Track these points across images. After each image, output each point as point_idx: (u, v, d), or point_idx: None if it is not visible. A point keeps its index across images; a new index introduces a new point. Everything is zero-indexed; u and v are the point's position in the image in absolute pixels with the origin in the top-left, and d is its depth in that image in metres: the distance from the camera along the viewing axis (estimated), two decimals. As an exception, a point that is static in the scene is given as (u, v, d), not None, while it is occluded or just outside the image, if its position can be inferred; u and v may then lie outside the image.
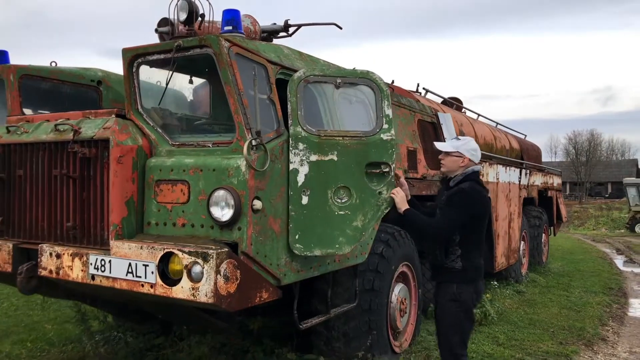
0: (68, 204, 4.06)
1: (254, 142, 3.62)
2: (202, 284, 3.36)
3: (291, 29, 5.71)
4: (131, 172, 3.90)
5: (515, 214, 9.36)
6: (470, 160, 4.00)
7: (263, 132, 3.72)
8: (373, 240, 5.03)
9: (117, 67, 5.03)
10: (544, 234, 11.83)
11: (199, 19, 4.26)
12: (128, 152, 3.88)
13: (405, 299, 5.61)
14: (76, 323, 5.42)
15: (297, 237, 4.01)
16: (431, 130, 6.76)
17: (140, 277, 3.59)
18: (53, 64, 5.16)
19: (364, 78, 4.44)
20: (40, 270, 4.06)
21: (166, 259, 3.54)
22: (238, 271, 3.49)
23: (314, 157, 4.07)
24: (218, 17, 4.48)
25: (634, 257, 15.81)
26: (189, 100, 5.20)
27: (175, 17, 4.28)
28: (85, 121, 4.12)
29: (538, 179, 11.13)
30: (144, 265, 3.57)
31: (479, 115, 10.40)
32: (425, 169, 6.32)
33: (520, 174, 9.75)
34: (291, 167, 3.98)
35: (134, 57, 4.08)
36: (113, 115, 4.10)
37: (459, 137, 4.18)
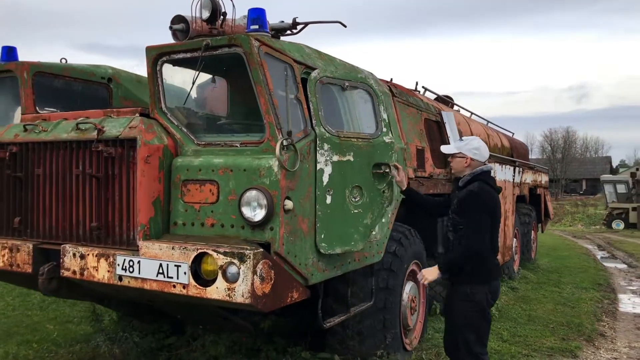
0: (91, 204, 4.00)
1: (285, 142, 3.63)
2: (239, 284, 3.36)
3: (298, 27, 5.73)
4: (158, 172, 3.87)
5: (509, 212, 9.52)
6: (472, 159, 4.03)
7: (292, 132, 3.73)
8: (388, 239, 5.09)
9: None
10: (533, 231, 12.05)
11: (221, 17, 4.25)
12: (155, 151, 3.84)
13: (415, 297, 5.67)
14: (91, 324, 5.35)
15: (322, 236, 4.05)
16: (436, 129, 6.82)
17: (171, 277, 3.57)
18: (63, 61, 5.07)
19: (363, 82, 4.51)
20: (62, 271, 4.00)
21: (198, 259, 3.52)
22: (272, 271, 3.49)
23: (335, 158, 4.14)
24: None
25: (615, 253, 16.20)
26: (192, 98, 5.17)
27: (197, 15, 4.25)
28: (107, 120, 4.07)
29: (529, 177, 11.32)
30: (176, 265, 3.55)
31: (472, 113, 10.52)
32: (432, 167, 6.39)
33: (514, 172, 9.91)
34: (318, 167, 4.00)
35: (158, 56, 4.04)
36: (137, 114, 4.05)
37: (463, 137, 4.27)
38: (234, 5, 4.32)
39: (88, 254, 3.89)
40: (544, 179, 13.07)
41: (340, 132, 4.28)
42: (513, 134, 13.65)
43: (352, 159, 4.27)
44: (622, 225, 25.90)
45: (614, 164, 68.33)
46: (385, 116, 4.62)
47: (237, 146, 3.87)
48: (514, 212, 9.86)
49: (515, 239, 10.40)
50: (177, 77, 4.26)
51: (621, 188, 27.58)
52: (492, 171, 4.16)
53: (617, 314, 8.31)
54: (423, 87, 8.66)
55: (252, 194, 3.62)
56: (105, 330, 5.58)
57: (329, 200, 4.09)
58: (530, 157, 13.92)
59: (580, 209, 37.72)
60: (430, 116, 6.73)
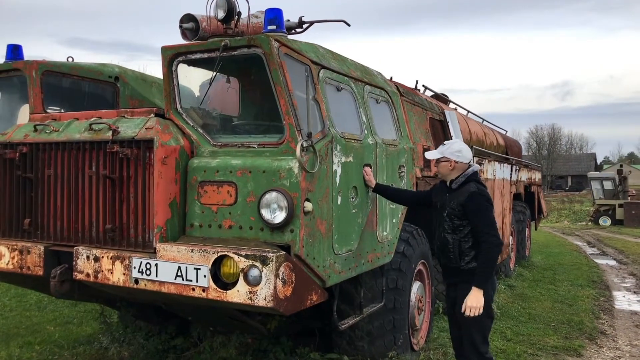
0: (105, 206, 3.95)
1: (305, 144, 3.60)
2: (261, 287, 3.33)
3: (304, 26, 5.70)
4: (174, 173, 3.82)
5: (507, 210, 9.58)
6: (456, 162, 4.06)
7: (311, 134, 3.71)
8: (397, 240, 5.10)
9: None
10: (527, 229, 12.15)
11: (236, 17, 4.21)
12: (172, 152, 3.79)
13: (422, 297, 5.69)
14: (100, 326, 5.28)
15: (336, 237, 4.04)
16: (440, 128, 6.84)
17: (190, 281, 3.53)
18: (70, 59, 4.99)
19: (347, 85, 4.50)
20: (75, 273, 3.94)
21: (218, 262, 3.49)
22: (293, 274, 3.47)
23: (343, 159, 4.15)
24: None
25: (605, 250, 16.38)
26: (195, 97, 5.13)
27: (212, 15, 4.21)
28: (121, 120, 4.01)
29: (524, 175, 11.40)
30: (195, 268, 3.51)
31: (468, 111, 10.55)
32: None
33: (511, 170, 9.98)
34: (333, 168, 3.99)
35: (174, 56, 3.99)
36: (152, 115, 4.00)
37: (444, 142, 4.28)
38: (249, 6, 4.29)
39: (102, 257, 3.84)
40: (537, 176, 13.17)
41: (346, 133, 4.28)
42: (506, 131, 13.75)
43: (352, 160, 4.29)
44: (609, 222, 26.16)
45: (599, 160, 69.11)
46: (364, 119, 4.64)
47: (254, 147, 3.84)
48: (511, 210, 9.93)
49: (511, 237, 10.47)
50: (182, 76, 4.20)
51: (608, 185, 27.84)
52: (478, 171, 4.23)
53: (614, 311, 8.40)
54: (423, 85, 8.67)
55: (272, 195, 3.59)
56: (112, 332, 5.50)
57: (339, 201, 4.10)
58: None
59: (566, 205, 38.12)
60: (435, 115, 6.74)
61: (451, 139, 6.92)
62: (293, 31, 5.66)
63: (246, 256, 3.38)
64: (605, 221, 26.31)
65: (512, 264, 10.62)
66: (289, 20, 5.75)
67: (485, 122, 11.37)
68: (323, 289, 3.85)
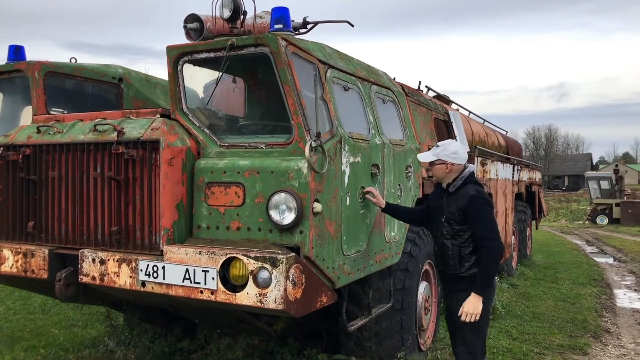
0: (110, 208, 3.89)
1: (313, 144, 3.56)
2: (271, 290, 3.28)
3: (308, 26, 5.66)
4: (181, 175, 3.77)
5: (509, 210, 9.56)
6: (452, 164, 3.88)
7: (320, 134, 3.67)
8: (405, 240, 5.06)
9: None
10: (528, 228, 12.14)
11: (242, 16, 4.16)
12: (178, 153, 3.75)
13: (428, 297, 5.65)
14: (106, 329, 5.23)
15: (344, 238, 4.00)
16: (444, 128, 6.81)
17: (199, 283, 3.48)
18: (73, 61, 4.94)
19: (354, 84, 4.46)
20: (81, 277, 3.88)
21: (227, 264, 3.44)
22: (303, 276, 3.43)
23: (351, 159, 4.12)
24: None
25: (604, 248, 16.41)
26: (199, 97, 5.08)
27: (217, 14, 4.17)
28: (126, 121, 3.96)
29: (525, 175, 11.39)
30: (203, 271, 3.46)
31: (470, 112, 10.53)
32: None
33: (513, 170, 9.96)
34: (342, 168, 3.95)
35: (179, 56, 3.94)
36: (158, 115, 3.95)
37: (438, 143, 4.03)
38: (255, 6, 4.24)
39: (108, 259, 3.79)
40: (537, 176, 13.17)
41: (354, 133, 4.25)
42: (507, 132, 13.73)
43: (359, 160, 4.24)
44: (606, 221, 26.26)
45: (594, 160, 69.34)
46: (372, 118, 4.59)
47: (262, 147, 3.79)
48: (513, 209, 9.91)
49: (513, 236, 10.45)
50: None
51: (605, 184, 27.96)
52: (474, 169, 4.06)
53: (615, 309, 8.39)
54: (426, 86, 8.63)
55: (281, 196, 3.54)
56: (117, 334, 5.45)
57: (348, 201, 4.06)
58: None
59: (563, 205, 38.25)
60: (439, 115, 6.71)
61: (455, 139, 6.89)
62: (297, 31, 5.63)
63: (255, 258, 3.33)
64: (603, 220, 26.41)
65: (514, 263, 10.60)
66: (293, 21, 5.72)
67: (485, 123, 11.38)
68: (333, 291, 3.80)
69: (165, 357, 5.22)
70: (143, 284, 3.67)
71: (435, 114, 6.58)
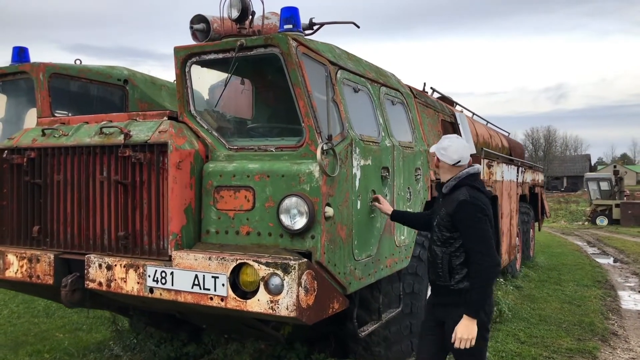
0: (117, 212, 3.82)
1: (325, 147, 3.49)
2: (283, 296, 3.21)
3: (314, 27, 5.60)
4: (189, 178, 3.71)
5: (514, 212, 9.51)
6: (439, 160, 3.51)
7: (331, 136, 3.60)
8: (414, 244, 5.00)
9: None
10: (531, 230, 12.09)
11: (250, 17, 4.10)
12: (186, 157, 3.68)
13: (436, 301, 5.59)
14: (112, 334, 5.14)
15: (356, 242, 3.94)
16: (451, 130, 6.74)
17: (208, 289, 3.41)
18: (78, 62, 4.86)
19: (363, 86, 4.40)
20: (87, 282, 3.81)
21: (237, 270, 3.37)
22: (315, 282, 3.36)
23: (362, 162, 4.05)
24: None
25: (606, 249, 16.36)
26: (205, 99, 5.02)
27: (225, 14, 4.10)
28: (133, 124, 3.89)
29: (529, 176, 11.34)
30: (213, 277, 3.39)
31: (473, 114, 10.47)
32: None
33: (517, 172, 9.90)
34: (352, 171, 3.89)
35: (187, 57, 3.87)
36: (165, 118, 3.88)
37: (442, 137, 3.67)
38: (264, 6, 4.18)
39: (115, 265, 3.71)
40: (540, 177, 13.12)
41: (365, 136, 4.18)
42: (509, 133, 13.67)
43: (370, 163, 4.18)
44: (605, 222, 26.22)
45: (593, 161, 69.43)
46: (381, 120, 4.52)
47: (272, 150, 3.72)
48: (517, 211, 9.85)
49: (517, 238, 10.40)
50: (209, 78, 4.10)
51: (604, 185, 27.92)
52: (480, 173, 3.55)
53: (621, 311, 8.33)
54: (431, 88, 8.58)
55: (292, 200, 3.47)
56: (123, 339, 5.37)
57: (358, 205, 3.99)
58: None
59: (563, 206, 38.23)
60: (446, 117, 6.65)
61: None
62: (303, 33, 5.57)
63: (267, 264, 3.26)
64: (603, 221, 26.36)
65: (518, 264, 10.55)
66: (298, 21, 5.67)
67: (488, 125, 11.32)
68: (344, 297, 3.74)
69: (171, 362, 5.15)
70: (151, 290, 3.60)
71: (442, 116, 6.52)
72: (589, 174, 30.27)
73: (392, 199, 4.51)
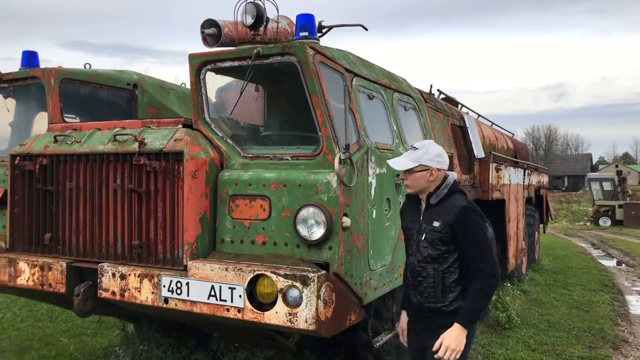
0: (131, 220, 3.78)
1: (342, 156, 3.45)
2: (302, 309, 3.17)
3: (323, 30, 5.56)
4: (204, 187, 3.66)
5: (520, 215, 9.46)
6: (439, 169, 3.10)
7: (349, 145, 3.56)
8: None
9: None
10: (536, 232, 12.05)
11: (264, 23, 4.06)
12: (202, 165, 3.63)
13: (447, 308, 5.54)
14: (122, 342, 5.10)
15: (371, 252, 3.89)
16: (460, 134, 6.70)
17: (225, 301, 3.37)
18: (87, 66, 4.82)
19: (377, 92, 4.35)
20: (100, 291, 3.77)
21: (254, 281, 3.33)
22: (334, 294, 3.32)
23: (378, 170, 4.01)
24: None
25: (611, 252, 16.33)
26: (212, 102, 4.97)
27: (239, 19, 4.06)
28: (147, 131, 3.85)
29: (534, 178, 11.29)
30: (230, 288, 3.35)
31: (479, 115, 10.42)
32: (460, 174, 6.26)
33: (524, 175, 9.86)
34: (368, 180, 3.85)
35: (202, 64, 3.82)
36: (180, 126, 3.84)
37: (415, 145, 3.20)
38: (278, 12, 4.13)
39: (129, 274, 3.67)
40: (545, 179, 13.07)
41: (380, 144, 4.14)
42: (513, 134, 13.62)
43: (385, 170, 4.13)
44: (608, 222, 26.17)
45: (594, 160, 69.40)
46: (395, 127, 4.47)
47: (288, 159, 3.68)
48: (524, 214, 9.81)
49: (523, 242, 10.36)
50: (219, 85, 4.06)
51: (607, 185, 27.86)
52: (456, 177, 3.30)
53: (630, 317, 8.29)
54: (438, 90, 8.52)
55: (309, 211, 3.43)
56: (129, 344, 5.33)
57: (374, 214, 3.95)
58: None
59: (564, 206, 38.11)
60: (455, 121, 6.60)
61: (471, 144, 6.79)
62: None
63: (285, 276, 3.22)
64: (605, 222, 26.32)
65: (524, 268, 10.50)
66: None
67: (493, 126, 11.27)
68: (361, 308, 3.69)
69: (180, 369, 5.10)
70: (166, 300, 3.55)
71: (452, 120, 6.47)
72: (591, 174, 30.22)
73: (406, 206, 4.46)
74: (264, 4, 4.08)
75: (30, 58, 4.64)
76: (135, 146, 3.73)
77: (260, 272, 3.29)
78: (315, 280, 3.16)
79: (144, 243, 3.73)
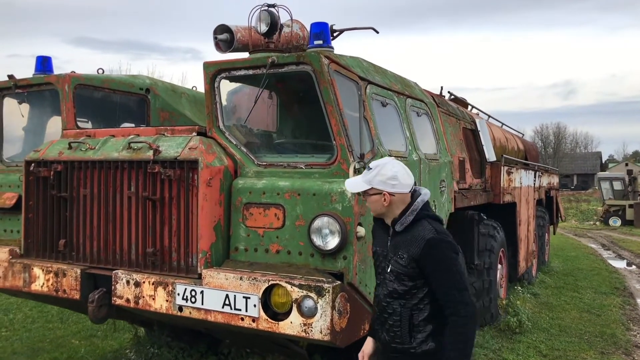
0: (145, 228, 3.79)
1: (357, 166, 3.44)
2: (317, 319, 3.17)
3: (334, 34, 5.54)
4: (219, 195, 3.67)
5: (531, 217, 9.42)
6: (392, 194, 2.70)
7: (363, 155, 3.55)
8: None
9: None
10: (546, 234, 11.99)
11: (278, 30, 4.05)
12: (216, 173, 3.64)
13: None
14: (131, 342, 5.12)
15: (384, 260, 3.88)
16: (472, 137, 6.67)
17: (239, 310, 3.37)
18: (100, 72, 4.83)
19: (391, 99, 4.33)
20: (114, 299, 3.78)
21: (268, 290, 3.33)
22: (348, 304, 3.32)
23: None
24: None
25: (621, 253, 16.21)
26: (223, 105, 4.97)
27: (253, 24, 4.05)
28: (162, 139, 3.85)
29: (545, 180, 11.23)
30: (244, 297, 3.36)
31: (489, 116, 10.36)
32: (472, 178, 6.23)
33: (535, 177, 9.80)
34: (382, 188, 3.83)
35: (217, 72, 3.82)
36: (194, 133, 3.84)
37: (371, 165, 2.80)
38: (291, 19, 4.12)
39: (144, 282, 3.68)
40: (555, 180, 13.00)
41: (394, 151, 4.12)
42: (523, 135, 13.55)
43: None
44: (619, 222, 25.99)
45: (604, 158, 68.94)
46: (408, 133, 4.44)
47: (302, 168, 3.67)
48: (535, 217, 9.76)
49: (534, 244, 10.31)
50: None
51: (617, 185, 27.68)
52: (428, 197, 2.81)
53: (641, 320, 8.24)
54: (449, 92, 8.48)
55: (324, 220, 3.43)
56: (140, 347, 5.35)
57: (387, 221, 3.93)
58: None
59: (573, 205, 37.90)
60: (467, 125, 6.57)
61: (483, 148, 6.76)
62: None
63: (300, 286, 3.22)
64: (616, 222, 26.14)
65: (534, 270, 10.46)
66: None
67: (503, 127, 11.21)
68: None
69: (192, 374, 5.12)
70: (180, 308, 3.56)
71: (464, 124, 6.44)
72: (601, 174, 30.03)
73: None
74: (277, 11, 4.08)
75: (44, 63, 4.66)
76: (149, 154, 3.74)
77: (275, 282, 3.29)
78: (330, 291, 3.15)
79: (158, 250, 3.74)
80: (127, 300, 3.74)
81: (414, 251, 2.61)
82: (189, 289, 3.52)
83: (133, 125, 5.13)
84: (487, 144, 6.94)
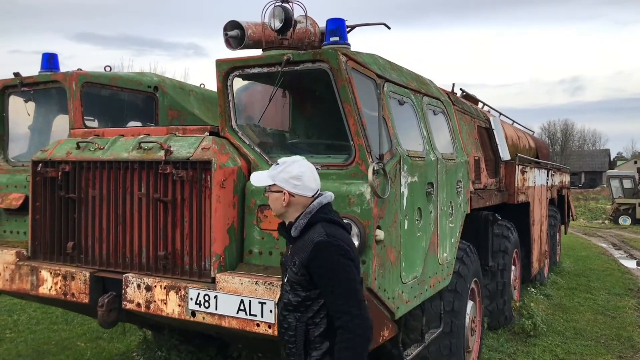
0: (156, 230, 3.67)
1: (376, 167, 3.31)
2: (335, 326, 3.04)
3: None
4: (232, 197, 3.55)
5: (544, 217, 9.27)
6: (292, 194, 2.57)
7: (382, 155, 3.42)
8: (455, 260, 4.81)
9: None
10: (558, 234, 11.83)
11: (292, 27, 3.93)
12: (230, 174, 3.52)
13: (474, 317, 5.40)
14: (138, 345, 5.02)
15: (403, 265, 3.76)
16: (486, 136, 6.53)
17: (255, 316, 3.26)
18: (107, 69, 4.72)
19: (408, 97, 4.20)
20: (125, 303, 3.67)
21: (284, 296, 3.21)
22: (367, 310, 3.18)
23: (409, 179, 3.86)
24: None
25: (633, 253, 16.02)
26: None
27: (268, 23, 3.93)
28: (173, 139, 3.74)
29: (557, 179, 11.07)
30: (260, 302, 3.24)
31: (500, 113, 10.19)
32: (487, 178, 6.10)
33: (547, 176, 9.65)
34: (401, 190, 3.71)
35: (230, 70, 3.70)
36: (207, 133, 3.72)
37: (279, 161, 2.69)
38: (306, 15, 4.00)
39: (155, 286, 3.57)
40: (567, 179, 12.82)
41: (412, 152, 4.00)
42: (533, 132, 13.37)
43: (417, 179, 3.99)
44: (629, 221, 25.73)
45: (612, 156, 68.46)
46: (425, 133, 4.31)
47: (318, 169, 3.53)
48: (547, 216, 9.61)
49: (546, 244, 10.15)
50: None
51: (627, 183, 27.37)
52: (332, 202, 2.70)
53: (657, 323, 8.09)
54: (461, 89, 8.33)
55: (342, 223, 3.29)
56: (147, 350, 5.25)
57: (406, 225, 3.81)
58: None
59: (581, 203, 37.60)
60: (482, 123, 6.43)
61: (497, 147, 6.61)
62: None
63: (317, 291, 3.09)
64: (625, 220, 25.88)
65: (546, 271, 10.31)
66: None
67: (514, 124, 11.04)
68: (394, 322, 3.56)
69: (201, 378, 5.02)
70: (193, 313, 3.45)
71: (478, 122, 6.30)
72: (611, 172, 29.75)
73: (435, 215, 4.31)
74: (292, 7, 3.95)
75: (50, 60, 4.55)
76: (161, 154, 3.63)
77: (291, 288, 3.16)
78: (349, 297, 3.02)
79: (170, 254, 3.63)
80: (138, 305, 3.63)
81: (303, 256, 2.45)
82: (202, 293, 3.41)
83: (140, 124, 5.03)
84: (502, 143, 6.80)
